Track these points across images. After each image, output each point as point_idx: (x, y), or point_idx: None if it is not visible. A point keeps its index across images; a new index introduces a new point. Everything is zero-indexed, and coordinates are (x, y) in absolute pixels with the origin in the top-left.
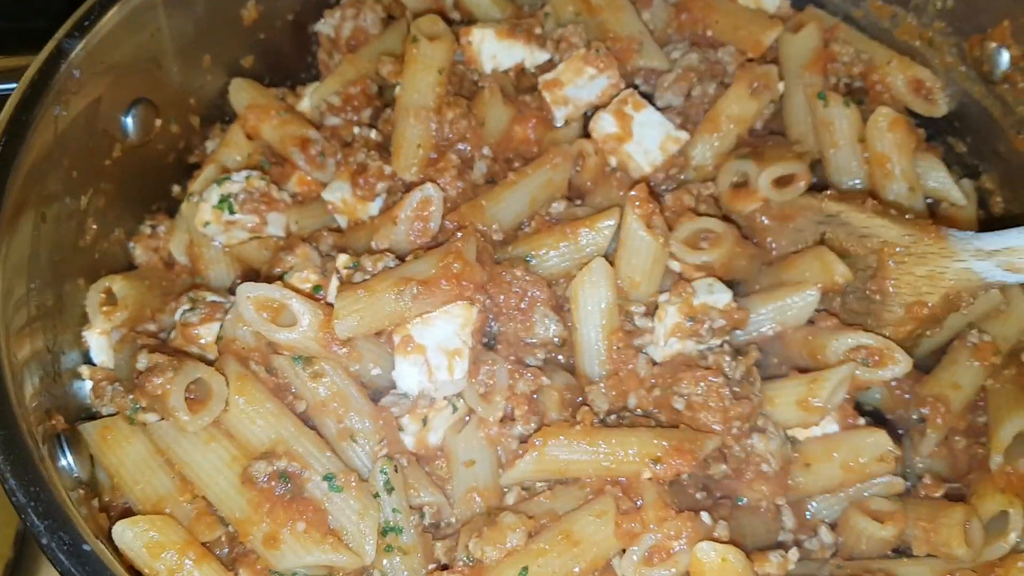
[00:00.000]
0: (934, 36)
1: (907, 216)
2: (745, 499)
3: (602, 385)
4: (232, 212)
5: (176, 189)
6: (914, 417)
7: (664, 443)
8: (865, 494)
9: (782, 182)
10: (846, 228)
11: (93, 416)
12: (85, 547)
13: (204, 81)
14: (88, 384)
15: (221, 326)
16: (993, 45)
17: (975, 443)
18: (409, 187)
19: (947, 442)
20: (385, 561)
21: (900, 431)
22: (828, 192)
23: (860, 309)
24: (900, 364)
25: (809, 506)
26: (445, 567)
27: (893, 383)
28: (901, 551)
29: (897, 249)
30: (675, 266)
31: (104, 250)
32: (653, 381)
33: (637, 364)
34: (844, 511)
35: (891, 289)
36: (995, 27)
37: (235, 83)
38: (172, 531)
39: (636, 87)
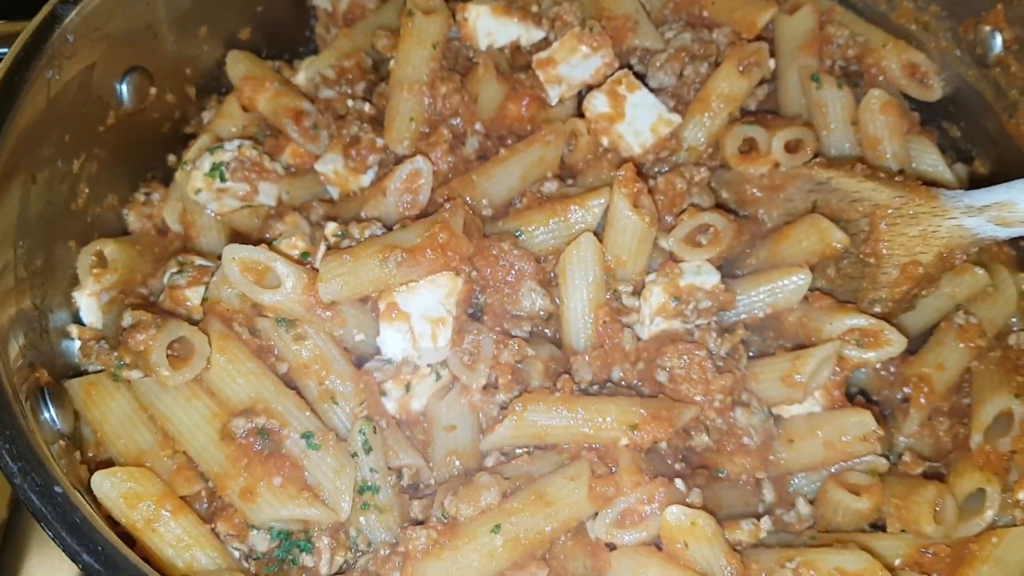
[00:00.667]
0: (929, 20)
1: (896, 178)
2: (726, 472)
3: (586, 357)
4: (223, 180)
5: (171, 159)
6: (898, 397)
7: (642, 411)
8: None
9: (789, 148)
10: (837, 194)
11: (81, 375)
12: (57, 489)
13: (200, 52)
14: (77, 343)
15: (206, 288)
16: (987, 29)
17: (958, 424)
18: (401, 160)
19: (930, 423)
20: (361, 518)
21: (886, 412)
22: (817, 159)
23: (855, 273)
24: (894, 345)
25: (791, 483)
26: (420, 523)
27: (879, 364)
28: (878, 526)
29: (889, 211)
30: (666, 245)
31: (97, 215)
32: (638, 355)
33: (623, 339)
34: (822, 484)
35: (884, 251)
36: (989, 11)
37: (232, 55)
38: (150, 483)
39: (630, 67)
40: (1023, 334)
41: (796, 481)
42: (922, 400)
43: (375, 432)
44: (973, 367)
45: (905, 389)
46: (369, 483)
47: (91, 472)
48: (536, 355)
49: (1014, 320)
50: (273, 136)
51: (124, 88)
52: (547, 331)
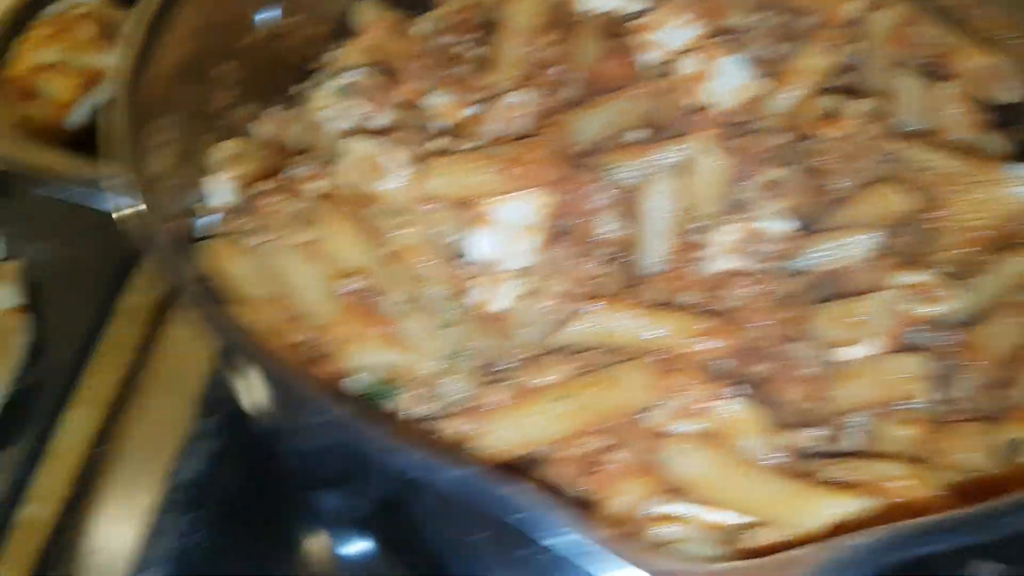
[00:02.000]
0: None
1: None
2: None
3: (657, 280)
4: (345, 99)
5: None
6: (957, 363)
7: (707, 324)
8: None
9: (865, 120)
10: (906, 164)
11: None
12: None
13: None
14: (210, 218)
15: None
16: None
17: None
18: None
19: (987, 390)
20: (444, 380)
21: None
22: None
23: (920, 238)
24: (948, 303)
25: (845, 420)
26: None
27: (945, 335)
28: None
29: (952, 179)
30: (742, 195)
31: (231, 121)
32: (703, 284)
33: (692, 269)
34: (871, 420)
35: (946, 217)
36: None
37: (363, 4)
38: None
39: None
40: None
41: (849, 419)
42: (974, 365)
43: (461, 311)
44: None
45: (962, 355)
46: (452, 351)
47: None
48: (610, 273)
49: None
50: (390, 75)
51: (261, 17)
52: (625, 258)
